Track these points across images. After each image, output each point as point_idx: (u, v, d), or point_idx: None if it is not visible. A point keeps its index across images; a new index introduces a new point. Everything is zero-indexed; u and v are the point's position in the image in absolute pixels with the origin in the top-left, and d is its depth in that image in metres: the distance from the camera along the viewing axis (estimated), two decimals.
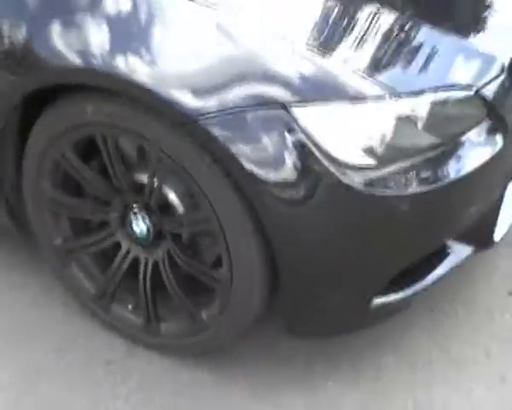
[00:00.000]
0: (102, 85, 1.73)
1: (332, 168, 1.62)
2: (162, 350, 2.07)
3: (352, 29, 1.76)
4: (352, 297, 1.83)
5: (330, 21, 1.77)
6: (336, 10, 1.80)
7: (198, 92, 1.63)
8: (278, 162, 1.62)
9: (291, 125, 1.61)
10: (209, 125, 1.62)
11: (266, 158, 1.62)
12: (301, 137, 1.61)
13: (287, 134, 1.61)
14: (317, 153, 1.62)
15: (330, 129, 1.63)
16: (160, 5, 1.69)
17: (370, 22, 1.78)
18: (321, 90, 1.62)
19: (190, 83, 1.63)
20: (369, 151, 1.65)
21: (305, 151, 1.62)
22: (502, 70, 1.82)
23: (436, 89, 1.72)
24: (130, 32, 1.68)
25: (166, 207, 1.86)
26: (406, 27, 1.81)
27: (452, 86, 1.75)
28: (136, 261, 2.00)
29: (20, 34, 1.76)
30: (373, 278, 1.81)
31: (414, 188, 1.69)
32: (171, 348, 2.06)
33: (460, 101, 1.75)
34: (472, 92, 1.76)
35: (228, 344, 2.01)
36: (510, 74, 1.84)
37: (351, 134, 1.65)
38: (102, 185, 1.92)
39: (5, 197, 2.05)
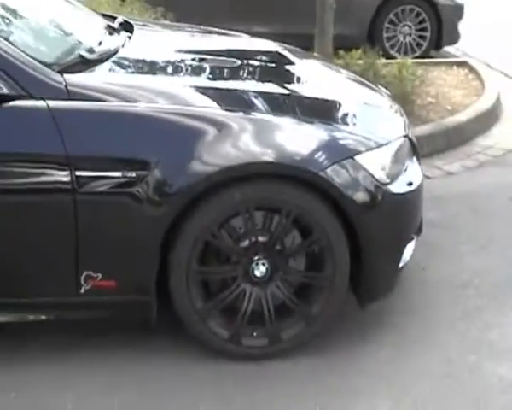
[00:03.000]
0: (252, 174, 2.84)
1: (384, 186, 2.97)
2: (283, 353, 3.05)
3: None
4: (392, 261, 3.11)
5: None
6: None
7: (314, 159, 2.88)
8: (362, 189, 2.91)
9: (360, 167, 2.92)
10: (325, 175, 2.84)
11: (358, 189, 2.90)
12: (365, 173, 2.93)
13: (360, 172, 2.92)
14: (374, 180, 2.95)
15: (375, 165, 2.98)
16: None
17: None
18: (365, 144, 2.98)
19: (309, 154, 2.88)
20: (388, 174, 3.04)
21: (368, 180, 2.94)
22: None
23: (396, 138, 3.19)
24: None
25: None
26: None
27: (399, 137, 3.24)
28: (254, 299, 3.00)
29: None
30: (401, 245, 3.13)
31: (408, 188, 3.12)
32: (290, 348, 3.06)
33: (404, 143, 3.24)
34: (406, 138, 3.27)
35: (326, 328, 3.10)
36: None
37: (381, 166, 3.01)
38: (237, 248, 2.93)
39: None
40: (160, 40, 3.88)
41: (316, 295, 3.03)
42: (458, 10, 7.82)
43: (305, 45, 5.21)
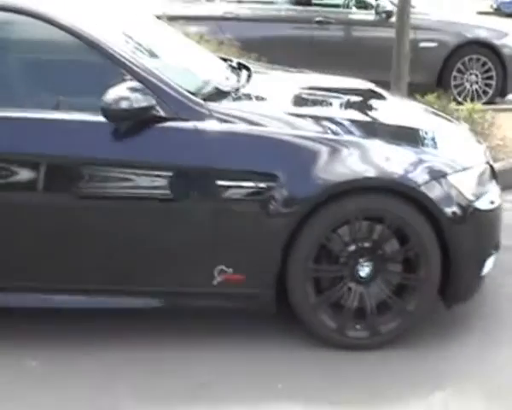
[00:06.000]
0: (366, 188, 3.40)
1: (471, 203, 3.49)
2: (381, 345, 3.55)
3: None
4: (476, 269, 3.61)
5: None
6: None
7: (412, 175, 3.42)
8: (453, 204, 3.43)
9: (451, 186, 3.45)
10: (423, 190, 3.37)
11: (449, 203, 3.42)
12: (455, 191, 3.46)
13: (452, 190, 3.45)
14: (463, 196, 3.48)
15: (463, 184, 3.51)
16: None
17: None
18: (453, 167, 3.52)
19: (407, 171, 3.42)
20: (473, 194, 3.55)
21: (458, 196, 3.47)
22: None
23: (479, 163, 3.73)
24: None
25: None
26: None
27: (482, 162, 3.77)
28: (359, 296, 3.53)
29: None
30: (484, 255, 3.63)
31: (491, 206, 3.64)
32: (388, 340, 3.56)
33: (485, 168, 3.76)
34: (487, 164, 3.79)
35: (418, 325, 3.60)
36: None
37: (467, 186, 3.54)
38: (346, 250, 3.47)
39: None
40: (274, 79, 4.54)
41: (411, 294, 3.54)
42: None
43: None
